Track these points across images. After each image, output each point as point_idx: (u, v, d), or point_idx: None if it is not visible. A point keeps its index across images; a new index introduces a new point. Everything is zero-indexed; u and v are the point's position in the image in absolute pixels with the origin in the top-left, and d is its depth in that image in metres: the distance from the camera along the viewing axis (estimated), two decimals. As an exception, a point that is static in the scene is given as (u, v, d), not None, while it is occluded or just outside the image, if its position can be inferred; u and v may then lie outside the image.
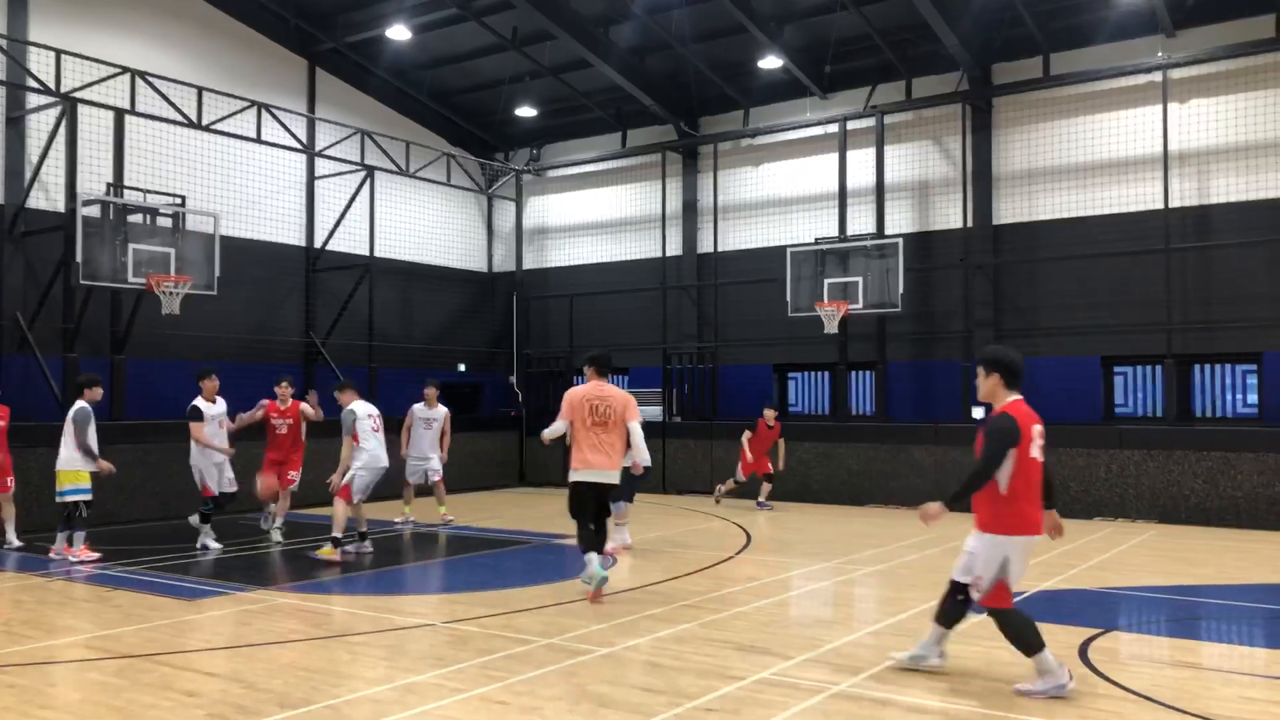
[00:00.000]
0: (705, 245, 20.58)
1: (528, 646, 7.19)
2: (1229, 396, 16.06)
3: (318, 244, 19.44)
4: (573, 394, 9.24)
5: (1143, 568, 10.87)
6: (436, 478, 14.24)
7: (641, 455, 9.39)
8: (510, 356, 22.48)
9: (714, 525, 14.21)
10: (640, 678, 6.42)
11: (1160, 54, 15.84)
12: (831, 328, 17.04)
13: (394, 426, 18.03)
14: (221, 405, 12.08)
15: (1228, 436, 14.52)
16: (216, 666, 6.80)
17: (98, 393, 11.23)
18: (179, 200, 15.61)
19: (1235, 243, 15.28)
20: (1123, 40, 16.23)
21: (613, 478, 9.17)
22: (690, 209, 20.73)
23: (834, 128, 18.46)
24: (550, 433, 9.18)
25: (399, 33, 18.55)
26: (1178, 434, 14.97)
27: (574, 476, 9.15)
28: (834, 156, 18.42)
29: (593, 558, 8.90)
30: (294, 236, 19.34)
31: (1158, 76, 15.92)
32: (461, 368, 21.94)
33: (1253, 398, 15.68)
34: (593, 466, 9.02)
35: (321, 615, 8.39)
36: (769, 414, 16.24)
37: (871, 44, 17.61)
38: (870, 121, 18.12)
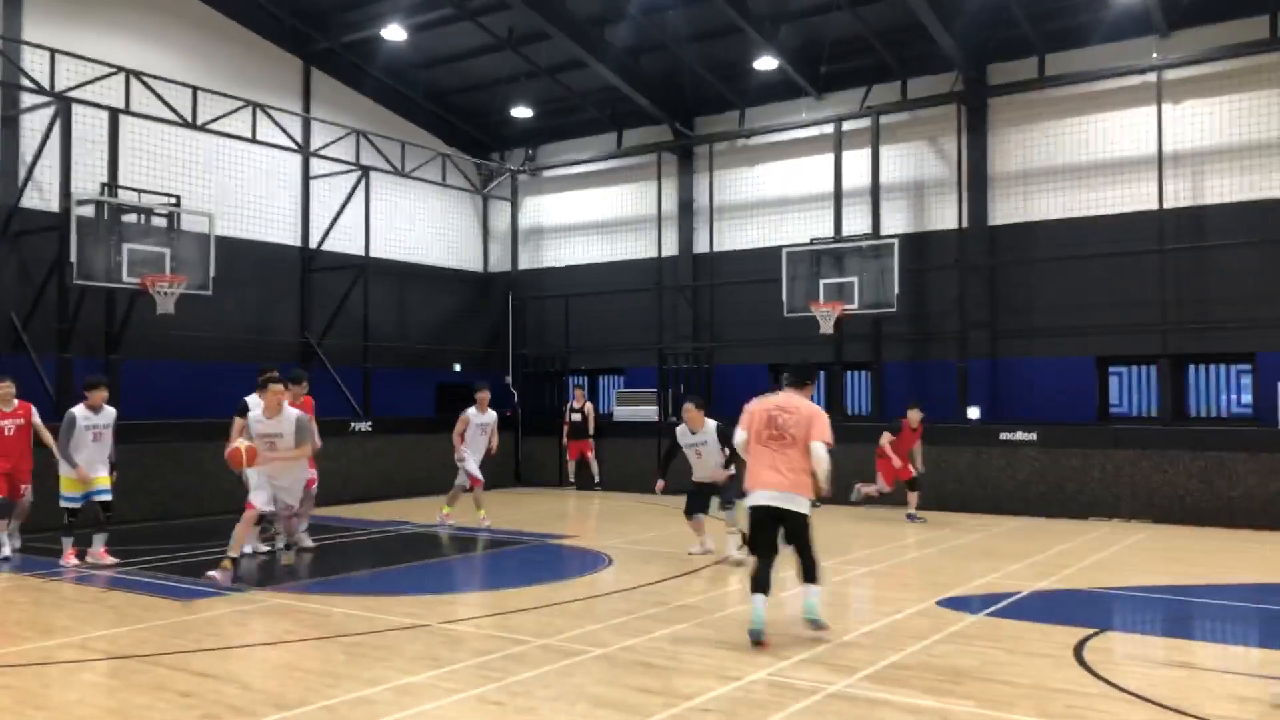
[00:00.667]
0: (701, 245, 20.59)
1: (523, 647, 7.18)
2: (1223, 396, 16.11)
3: (313, 244, 19.41)
4: (752, 403, 8.10)
5: (1137, 568, 10.88)
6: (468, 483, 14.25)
7: (818, 474, 7.70)
8: (506, 357, 22.46)
9: (710, 526, 14.17)
10: (636, 678, 6.42)
11: (1155, 55, 15.89)
12: (827, 328, 17.04)
13: (387, 426, 18.17)
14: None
15: (1222, 436, 14.55)
16: (212, 667, 6.78)
17: (97, 397, 10.92)
18: (174, 200, 15.58)
19: (1229, 243, 15.32)
20: (1117, 41, 16.26)
21: (793, 502, 7.60)
22: (686, 209, 20.72)
23: (829, 128, 18.46)
24: (737, 444, 8.04)
25: (394, 32, 18.55)
26: (1172, 434, 15.00)
27: (747, 500, 7.86)
28: (829, 157, 18.42)
29: (758, 599, 7.44)
30: (289, 236, 19.31)
31: (1152, 77, 15.96)
32: (457, 368, 21.93)
33: (1247, 398, 15.73)
34: (765, 486, 7.65)
35: (317, 616, 8.37)
36: (914, 414, 14.84)
37: (867, 45, 17.62)
38: (865, 122, 18.13)
